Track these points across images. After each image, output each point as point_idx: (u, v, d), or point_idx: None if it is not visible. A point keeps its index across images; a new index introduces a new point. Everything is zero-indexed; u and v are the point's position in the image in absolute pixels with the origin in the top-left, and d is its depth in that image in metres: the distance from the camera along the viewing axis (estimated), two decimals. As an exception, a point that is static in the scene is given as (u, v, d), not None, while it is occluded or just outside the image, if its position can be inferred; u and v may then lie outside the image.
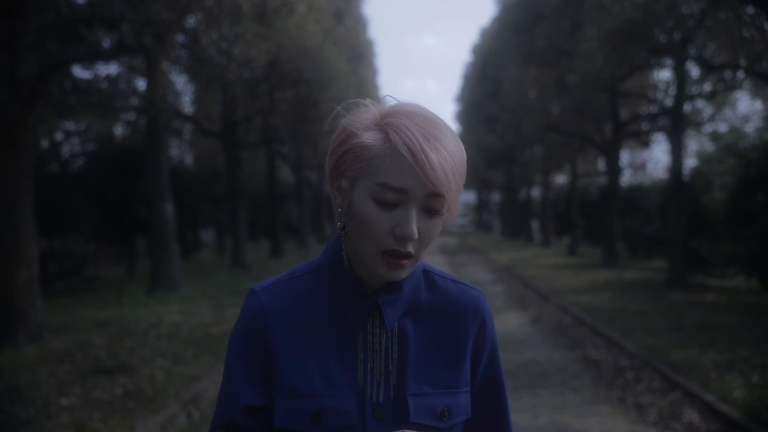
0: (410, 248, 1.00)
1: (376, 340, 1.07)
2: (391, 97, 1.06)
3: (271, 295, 1.09)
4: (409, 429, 1.04)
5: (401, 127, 0.98)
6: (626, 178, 22.07)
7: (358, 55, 25.24)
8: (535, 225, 33.26)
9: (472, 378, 1.14)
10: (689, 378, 5.79)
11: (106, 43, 9.56)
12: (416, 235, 0.99)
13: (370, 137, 1.00)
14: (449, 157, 0.98)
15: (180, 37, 10.10)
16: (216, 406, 1.10)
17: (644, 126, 17.62)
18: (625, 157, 24.08)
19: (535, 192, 33.41)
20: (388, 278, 1.03)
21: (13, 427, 4.73)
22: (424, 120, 1.00)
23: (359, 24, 27.51)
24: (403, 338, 1.09)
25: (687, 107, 14.33)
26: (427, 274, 1.15)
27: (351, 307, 1.07)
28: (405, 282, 1.09)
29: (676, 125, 12.70)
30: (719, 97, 14.69)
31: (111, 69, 13.47)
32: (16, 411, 5.00)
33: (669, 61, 13.29)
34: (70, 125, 16.53)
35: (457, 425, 1.11)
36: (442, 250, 26.79)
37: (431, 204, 1.00)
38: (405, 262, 1.01)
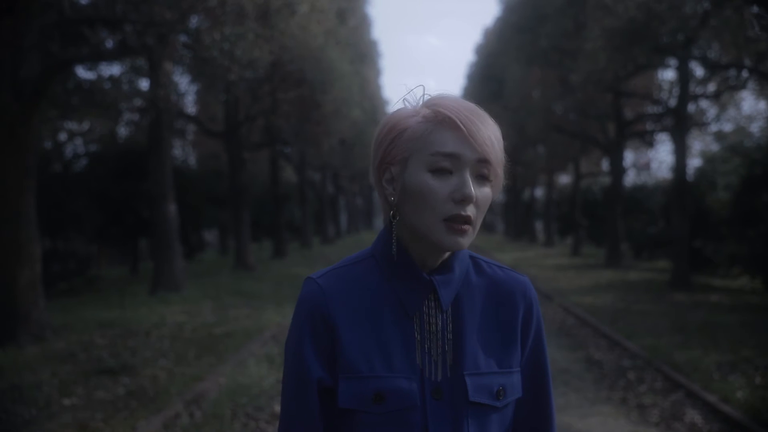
0: (469, 212, 1.06)
1: (432, 321, 1.11)
2: (423, 87, 1.15)
3: (329, 281, 1.12)
4: (467, 408, 1.09)
5: (446, 104, 1.08)
6: (630, 179, 22.10)
7: (362, 55, 25.24)
8: (538, 225, 33.22)
9: (523, 359, 1.20)
10: (692, 378, 5.77)
11: (109, 43, 9.58)
12: (474, 196, 1.05)
13: (415, 120, 1.09)
14: (492, 128, 1.09)
15: (183, 38, 10.12)
16: (285, 390, 1.12)
17: (648, 126, 17.59)
18: (628, 157, 24.08)
19: (539, 192, 33.38)
20: (451, 246, 1.06)
21: (15, 427, 4.74)
22: (464, 102, 1.10)
23: (362, 24, 27.49)
24: (458, 319, 1.13)
25: (691, 107, 14.30)
26: (474, 259, 1.21)
27: (407, 290, 1.11)
28: (456, 264, 1.14)
29: (680, 125, 12.67)
30: (723, 96, 14.64)
31: (114, 69, 13.49)
32: (19, 411, 5.01)
33: (673, 61, 13.26)
34: (73, 125, 16.57)
35: (510, 404, 1.15)
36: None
37: (481, 170, 1.08)
38: (466, 227, 1.06)
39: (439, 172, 1.06)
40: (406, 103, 1.14)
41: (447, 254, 1.14)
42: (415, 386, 1.08)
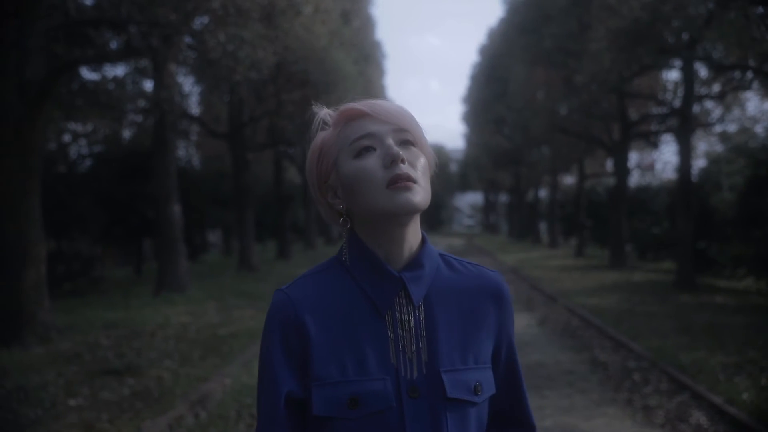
0: (406, 169, 1.08)
1: (404, 318, 1.11)
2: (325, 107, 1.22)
3: (297, 289, 1.13)
4: (445, 405, 1.08)
5: (347, 104, 1.15)
6: (634, 179, 22.01)
7: (365, 56, 25.23)
8: (542, 226, 33.18)
9: (496, 355, 1.20)
10: (697, 380, 5.76)
11: (114, 44, 9.61)
12: (401, 153, 1.08)
13: (327, 132, 1.17)
14: (397, 105, 1.15)
15: (187, 39, 10.13)
16: (258, 403, 1.12)
17: (653, 127, 17.56)
18: (633, 158, 24.01)
19: (543, 193, 33.35)
20: (404, 204, 1.07)
21: (21, 428, 4.75)
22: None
23: (366, 25, 27.48)
24: (430, 315, 1.13)
25: (696, 108, 14.28)
26: (443, 257, 1.21)
27: (377, 288, 1.11)
28: (424, 259, 1.14)
29: (685, 126, 12.64)
30: (728, 97, 14.62)
31: (118, 71, 13.52)
32: (24, 411, 5.02)
33: (677, 62, 13.23)
34: (78, 127, 16.59)
35: (486, 400, 1.15)
36: (448, 251, 26.77)
37: (402, 137, 1.12)
38: (409, 183, 1.07)
39: (363, 152, 1.10)
40: (324, 128, 1.19)
41: (415, 250, 1.14)
42: (390, 387, 1.07)
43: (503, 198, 49.71)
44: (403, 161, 1.08)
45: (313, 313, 1.10)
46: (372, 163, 1.09)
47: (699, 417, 4.97)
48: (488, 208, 54.28)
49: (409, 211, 1.08)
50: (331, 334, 1.09)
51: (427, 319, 1.12)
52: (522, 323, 9.42)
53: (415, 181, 1.08)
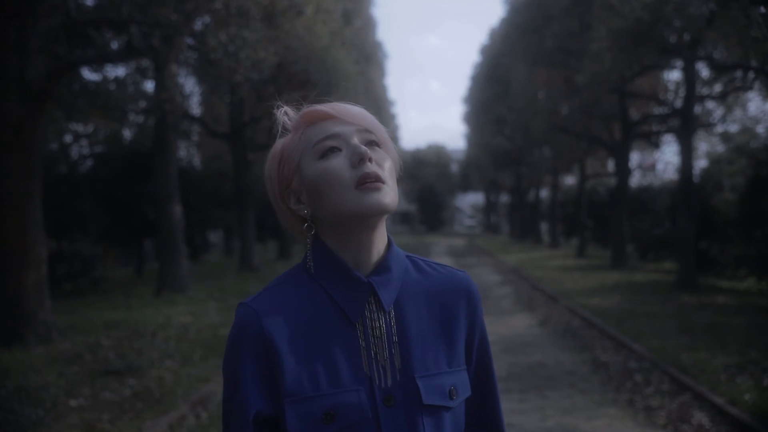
0: (374, 168, 1.05)
1: (375, 324, 1.07)
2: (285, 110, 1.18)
3: (262, 302, 1.07)
4: (421, 411, 1.05)
5: (307, 108, 1.13)
6: (636, 180, 22.00)
7: (367, 56, 25.22)
8: (543, 226, 33.17)
9: (467, 357, 1.16)
10: (699, 380, 5.75)
11: (115, 45, 9.60)
12: (368, 152, 1.05)
13: (287, 137, 1.14)
14: (358, 107, 1.13)
15: (188, 40, 10.13)
16: (224, 425, 1.06)
17: (654, 127, 17.53)
18: (634, 158, 24.00)
19: (544, 193, 33.33)
20: (373, 205, 1.04)
21: (22, 428, 4.75)
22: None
23: (368, 25, 27.47)
24: (401, 320, 1.09)
25: (697, 108, 14.26)
26: (411, 258, 1.18)
27: (346, 296, 1.07)
28: (392, 263, 1.11)
29: (686, 126, 12.63)
30: (729, 97, 14.60)
31: (119, 71, 13.53)
32: (25, 412, 5.01)
33: (679, 62, 13.22)
34: (79, 127, 16.60)
35: (462, 403, 1.12)
36: (449, 252, 26.78)
37: (367, 138, 1.09)
38: (378, 183, 1.04)
39: (327, 153, 1.07)
40: (284, 133, 1.16)
41: (382, 254, 1.11)
42: (364, 397, 1.03)
43: (504, 198, 49.74)
44: (370, 160, 1.05)
45: (280, 326, 1.04)
46: (338, 163, 1.06)
47: (701, 418, 4.96)
48: (489, 208, 54.28)
49: (379, 212, 1.05)
50: (301, 346, 1.04)
51: (399, 324, 1.09)
52: (523, 323, 9.41)
53: (383, 182, 1.05)
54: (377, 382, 1.04)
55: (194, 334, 8.18)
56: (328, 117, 1.10)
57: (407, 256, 1.17)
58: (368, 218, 1.05)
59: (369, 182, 1.04)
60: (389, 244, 1.14)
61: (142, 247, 17.64)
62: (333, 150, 1.07)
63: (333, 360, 1.04)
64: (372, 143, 1.10)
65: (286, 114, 1.16)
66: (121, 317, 9.13)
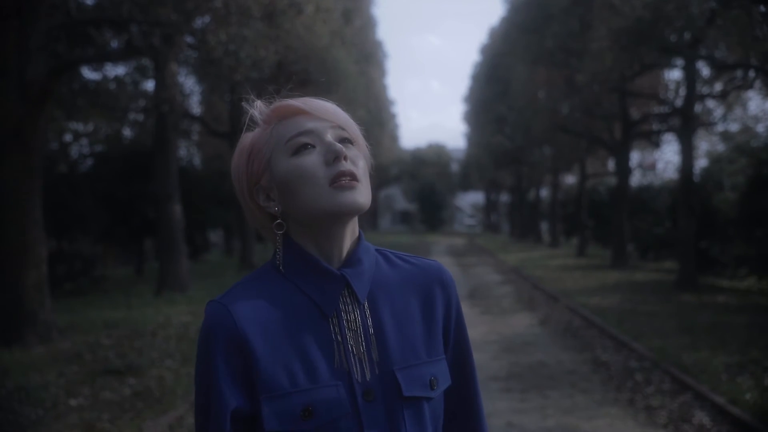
0: (349, 166, 1.04)
1: (350, 318, 1.06)
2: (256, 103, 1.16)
3: (233, 298, 1.04)
4: (402, 404, 1.04)
5: (278, 102, 1.11)
6: (636, 179, 21.98)
7: (367, 55, 25.23)
8: (544, 226, 33.16)
9: (444, 344, 1.15)
10: (700, 380, 5.74)
11: (115, 44, 9.60)
12: (343, 150, 1.04)
13: (257, 132, 1.11)
14: (329, 103, 1.11)
15: (188, 39, 10.12)
16: (199, 425, 1.03)
17: (654, 126, 17.54)
18: (635, 157, 23.97)
19: (544, 193, 33.33)
20: (348, 204, 1.02)
21: (22, 428, 4.74)
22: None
23: (368, 24, 27.48)
24: (376, 312, 1.08)
25: (697, 107, 14.24)
26: (380, 252, 1.17)
27: (319, 289, 1.05)
28: (362, 255, 1.10)
29: (687, 125, 12.62)
30: (730, 96, 14.58)
31: (119, 70, 13.52)
32: (25, 411, 5.01)
33: (679, 61, 13.21)
34: (79, 126, 16.60)
35: (441, 394, 1.11)
36: (449, 252, 26.76)
37: (340, 135, 1.08)
38: (353, 182, 1.03)
39: (301, 149, 1.05)
40: (251, 127, 1.13)
41: (350, 247, 1.10)
42: (343, 392, 1.01)
43: (504, 198, 49.71)
44: (345, 158, 1.04)
45: (253, 322, 1.01)
46: (312, 160, 1.04)
47: (702, 417, 4.95)
48: (489, 207, 54.28)
49: (354, 211, 1.04)
50: (276, 342, 1.01)
51: (374, 316, 1.07)
52: (524, 323, 9.41)
53: (358, 180, 1.04)
54: (356, 377, 1.03)
55: (194, 334, 8.18)
56: (301, 112, 1.08)
57: (377, 250, 1.16)
58: (343, 217, 1.04)
59: (344, 180, 1.02)
60: (359, 238, 1.12)
61: (142, 246, 17.64)
62: (306, 147, 1.05)
63: (309, 355, 1.02)
64: (345, 140, 1.08)
65: (256, 107, 1.13)
66: (121, 317, 9.13)
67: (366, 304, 1.08)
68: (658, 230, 17.80)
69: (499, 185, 42.81)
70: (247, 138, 1.12)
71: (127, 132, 17.87)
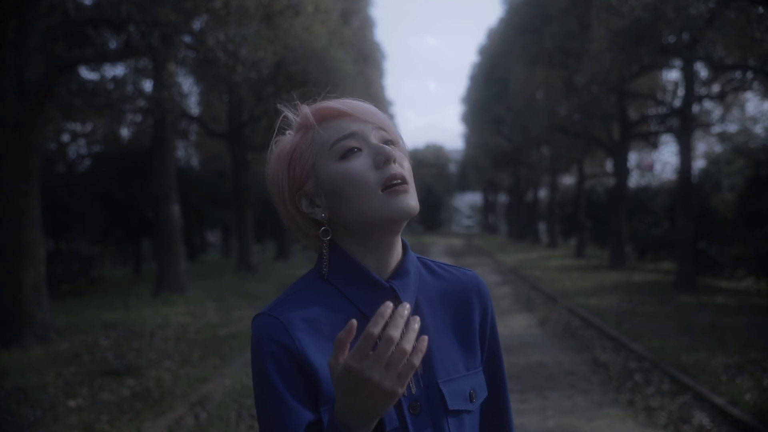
0: (398, 169, 1.02)
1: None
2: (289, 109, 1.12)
3: (285, 311, 1.03)
4: (447, 417, 1.03)
5: (316, 105, 1.08)
6: (634, 180, 22.00)
7: (365, 56, 25.21)
8: (542, 226, 33.17)
9: (481, 356, 1.15)
10: (699, 381, 5.74)
11: (113, 44, 9.57)
12: (392, 152, 1.02)
13: (296, 136, 1.08)
14: (365, 103, 1.08)
15: (186, 39, 10.11)
16: None
17: (652, 127, 17.54)
18: (633, 158, 24.00)
19: (542, 193, 33.34)
20: (403, 209, 1.01)
21: (21, 429, 4.74)
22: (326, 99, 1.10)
23: (366, 25, 27.47)
24: (420, 325, 1.06)
25: (696, 108, 14.25)
26: (422, 261, 1.16)
27: (368, 302, 1.03)
28: (409, 266, 1.08)
29: (685, 126, 12.63)
30: (728, 97, 14.60)
31: (117, 70, 13.50)
32: (24, 412, 5.00)
33: (677, 62, 13.22)
34: (77, 126, 16.57)
35: (479, 406, 1.11)
36: (448, 252, 26.76)
37: (383, 136, 1.06)
38: (405, 185, 1.02)
39: (348, 153, 1.02)
40: (287, 133, 1.10)
41: (399, 258, 1.08)
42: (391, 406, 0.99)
43: (502, 198, 49.70)
44: (395, 161, 1.02)
45: (307, 334, 1.00)
46: (361, 164, 1.02)
47: (701, 418, 4.95)
48: (487, 208, 54.30)
49: (407, 216, 1.02)
50: (328, 354, 0.98)
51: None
52: (522, 324, 9.41)
53: (408, 182, 1.03)
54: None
55: (193, 335, 8.17)
56: (342, 114, 1.06)
57: (418, 258, 1.15)
58: (396, 222, 1.03)
59: (396, 185, 1.01)
60: (405, 247, 1.10)
61: (140, 246, 17.62)
62: (353, 150, 1.03)
63: None
64: (388, 142, 1.06)
65: (298, 110, 1.10)
66: (119, 317, 9.11)
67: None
68: (656, 231, 17.82)
69: (497, 186, 42.82)
70: (285, 142, 1.09)
71: (125, 132, 17.85)
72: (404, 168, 1.04)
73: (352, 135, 1.04)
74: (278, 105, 1.12)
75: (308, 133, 1.06)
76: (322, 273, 1.07)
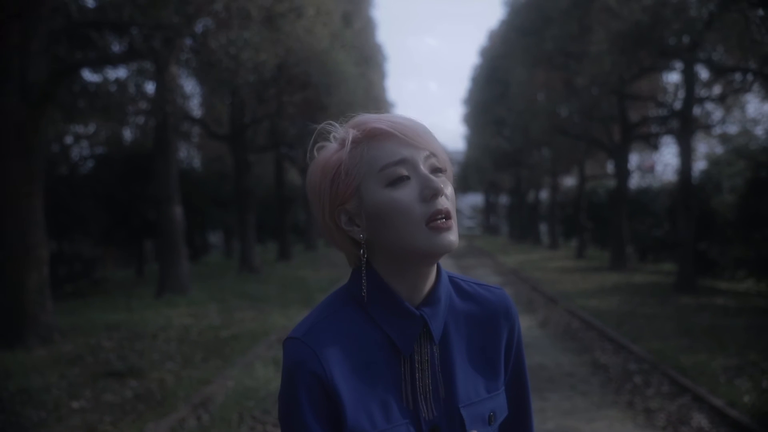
0: (445, 204, 1.01)
1: (424, 358, 1.05)
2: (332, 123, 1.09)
3: (316, 338, 1.02)
4: None
5: (368, 120, 1.04)
6: (635, 181, 22.00)
7: (366, 58, 25.25)
8: (543, 228, 33.18)
9: (504, 376, 1.16)
10: (698, 382, 5.76)
11: (116, 47, 9.63)
12: (441, 187, 1.00)
13: (344, 151, 1.03)
14: (418, 122, 1.04)
15: (189, 41, 10.16)
16: None
17: (653, 128, 17.55)
18: (633, 159, 24.00)
19: (543, 195, 33.34)
20: (445, 246, 1.00)
21: (24, 430, 4.76)
22: (381, 113, 1.06)
23: (367, 27, 27.51)
24: (446, 349, 1.08)
25: (696, 110, 14.28)
26: (453, 280, 1.15)
27: (399, 330, 1.03)
28: (441, 291, 1.08)
29: (685, 128, 12.65)
30: (728, 99, 14.61)
31: (120, 73, 13.56)
32: (27, 414, 5.03)
33: (678, 64, 13.24)
34: (80, 128, 16.61)
35: (497, 426, 1.13)
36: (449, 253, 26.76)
37: (433, 164, 1.03)
38: (449, 222, 1.00)
39: (397, 182, 1.00)
40: (330, 142, 1.07)
41: (432, 284, 1.07)
42: (412, 430, 1.02)
43: (504, 199, 49.72)
44: (442, 194, 1.00)
45: (337, 364, 1.01)
46: (408, 194, 0.99)
47: (700, 420, 4.97)
48: (489, 209, 54.30)
49: (447, 252, 1.01)
50: (357, 383, 1.01)
51: (443, 353, 1.07)
52: (523, 325, 9.37)
53: (452, 218, 1.01)
54: (423, 414, 1.03)
55: (195, 336, 8.20)
56: (392, 136, 1.01)
57: (449, 277, 1.14)
58: (436, 257, 1.02)
59: (440, 221, 1.00)
60: (438, 270, 1.09)
61: (142, 248, 17.65)
62: (402, 179, 1.00)
63: (384, 394, 1.02)
64: (437, 170, 1.04)
65: (348, 131, 1.06)
66: (121, 319, 9.15)
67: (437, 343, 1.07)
68: (657, 232, 17.84)
69: (499, 187, 42.83)
70: (329, 155, 1.05)
71: (127, 134, 17.89)
72: (449, 198, 1.03)
73: (403, 162, 1.01)
74: (327, 125, 1.08)
75: (357, 148, 1.03)
76: (353, 293, 1.07)
